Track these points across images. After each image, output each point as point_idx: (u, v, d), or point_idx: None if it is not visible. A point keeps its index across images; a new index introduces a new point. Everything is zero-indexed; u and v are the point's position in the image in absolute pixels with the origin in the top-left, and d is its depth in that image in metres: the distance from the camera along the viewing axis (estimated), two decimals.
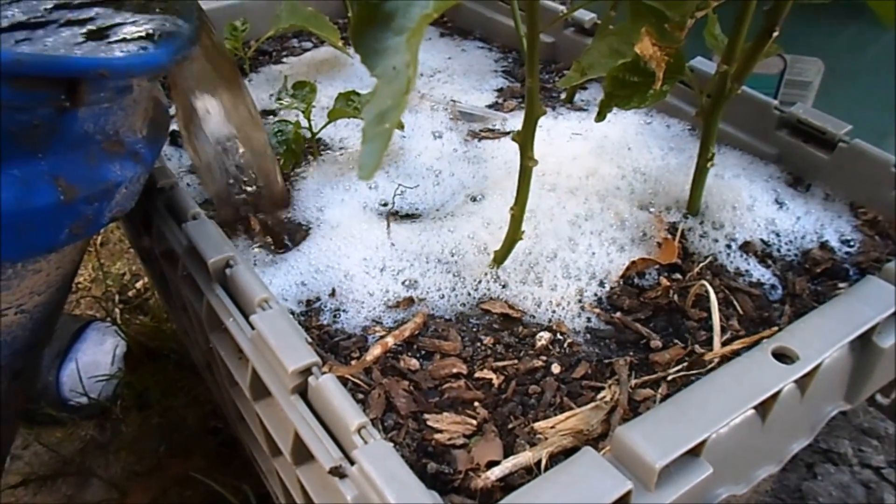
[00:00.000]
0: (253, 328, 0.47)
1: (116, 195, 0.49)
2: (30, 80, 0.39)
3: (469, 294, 0.57)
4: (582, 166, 0.69)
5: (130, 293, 1.03)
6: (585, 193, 0.65)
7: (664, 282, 0.58)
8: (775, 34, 0.52)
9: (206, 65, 0.60)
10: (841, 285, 0.57)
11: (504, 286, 0.58)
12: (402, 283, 0.58)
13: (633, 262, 0.58)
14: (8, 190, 0.41)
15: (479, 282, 0.58)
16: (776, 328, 0.53)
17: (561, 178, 0.67)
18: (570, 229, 0.62)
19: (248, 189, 0.66)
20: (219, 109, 0.62)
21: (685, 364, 0.51)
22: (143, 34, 0.47)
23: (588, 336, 0.54)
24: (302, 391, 0.45)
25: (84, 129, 0.44)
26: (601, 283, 0.58)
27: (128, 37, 0.47)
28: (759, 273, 0.58)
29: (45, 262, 0.51)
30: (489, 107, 0.81)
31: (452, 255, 0.60)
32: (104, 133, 0.46)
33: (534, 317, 0.56)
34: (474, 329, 0.55)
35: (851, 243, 0.61)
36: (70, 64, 0.41)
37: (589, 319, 0.55)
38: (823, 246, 0.61)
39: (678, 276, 0.59)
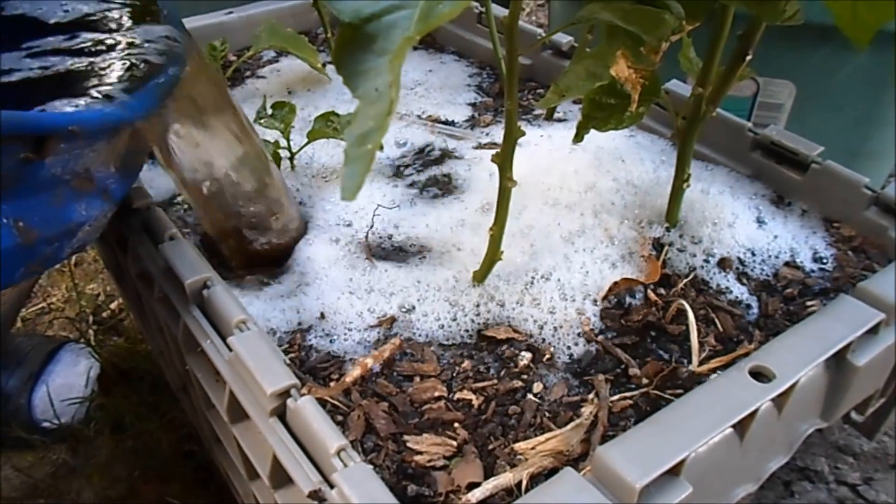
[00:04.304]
0: (230, 350, 0.46)
1: (79, 233, 0.46)
2: None
3: (469, 319, 0.57)
4: (582, 181, 0.69)
5: (105, 314, 1.02)
6: (582, 209, 0.66)
7: (651, 296, 0.58)
8: (749, 57, 0.53)
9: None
10: (810, 303, 0.58)
11: (502, 306, 0.57)
12: (386, 304, 0.58)
13: (616, 283, 0.58)
14: None
15: (479, 305, 0.57)
16: (753, 346, 0.53)
17: (564, 193, 0.68)
18: (564, 246, 0.62)
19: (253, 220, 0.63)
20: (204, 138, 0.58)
21: (664, 380, 0.51)
22: (120, 82, 0.45)
23: (570, 355, 0.54)
24: (280, 413, 0.44)
25: (52, 173, 0.41)
26: (595, 302, 0.58)
27: (104, 87, 0.44)
28: (738, 290, 0.59)
29: None
30: (466, 121, 0.82)
31: (446, 281, 0.60)
32: (74, 173, 0.43)
33: (519, 333, 0.55)
34: (453, 350, 0.55)
35: (825, 261, 0.62)
36: (39, 122, 0.38)
37: (574, 341, 0.55)
38: (797, 265, 0.61)
39: (662, 291, 0.59)
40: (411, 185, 0.72)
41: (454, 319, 0.56)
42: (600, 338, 0.55)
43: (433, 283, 0.59)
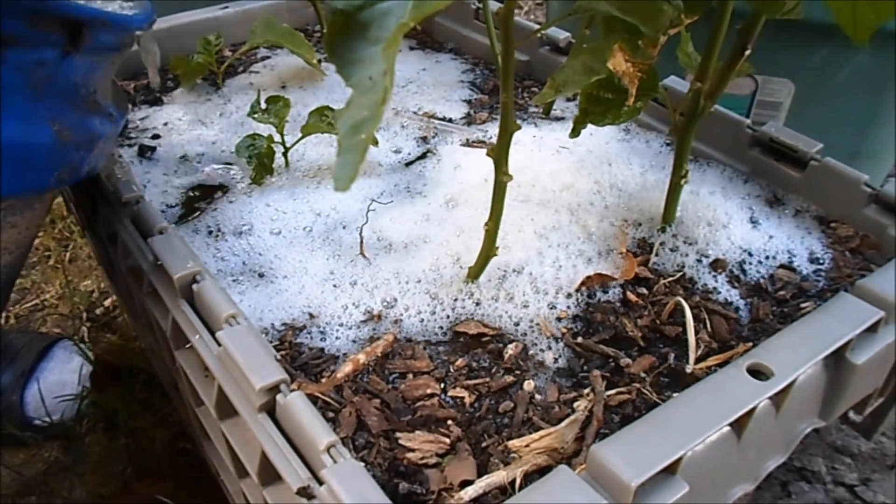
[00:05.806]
0: (219, 344, 0.46)
1: (95, 148, 0.55)
2: (42, 18, 0.46)
3: (447, 316, 0.56)
4: (557, 180, 0.69)
5: (98, 311, 1.01)
6: (556, 206, 0.65)
7: (631, 297, 0.57)
8: (748, 52, 0.52)
9: None
10: (804, 304, 0.57)
11: (477, 304, 0.57)
12: (377, 300, 0.57)
13: (589, 277, 0.58)
14: (15, 124, 0.47)
15: (456, 300, 0.57)
16: (751, 344, 0.53)
17: (535, 191, 0.67)
18: (537, 241, 0.61)
19: None
20: None
21: (657, 375, 0.51)
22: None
23: (558, 351, 0.54)
24: (270, 409, 0.43)
25: (75, 80, 0.51)
26: (568, 296, 0.57)
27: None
28: (727, 292, 0.58)
29: (21, 216, 0.56)
30: (462, 118, 0.82)
31: (427, 272, 0.59)
32: (87, 89, 0.53)
33: (504, 332, 0.55)
34: (446, 347, 0.54)
35: (821, 261, 0.61)
36: (81, 9, 0.49)
37: (556, 339, 0.55)
38: (793, 267, 0.60)
39: (644, 290, 0.58)
40: (392, 178, 0.72)
41: (433, 313, 0.56)
42: (579, 339, 0.54)
43: (413, 276, 0.59)
